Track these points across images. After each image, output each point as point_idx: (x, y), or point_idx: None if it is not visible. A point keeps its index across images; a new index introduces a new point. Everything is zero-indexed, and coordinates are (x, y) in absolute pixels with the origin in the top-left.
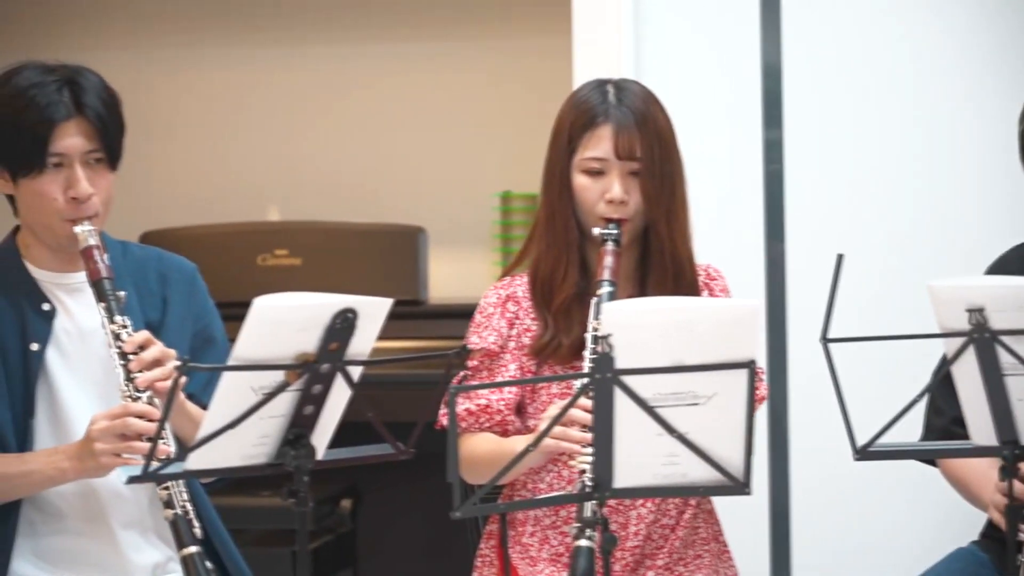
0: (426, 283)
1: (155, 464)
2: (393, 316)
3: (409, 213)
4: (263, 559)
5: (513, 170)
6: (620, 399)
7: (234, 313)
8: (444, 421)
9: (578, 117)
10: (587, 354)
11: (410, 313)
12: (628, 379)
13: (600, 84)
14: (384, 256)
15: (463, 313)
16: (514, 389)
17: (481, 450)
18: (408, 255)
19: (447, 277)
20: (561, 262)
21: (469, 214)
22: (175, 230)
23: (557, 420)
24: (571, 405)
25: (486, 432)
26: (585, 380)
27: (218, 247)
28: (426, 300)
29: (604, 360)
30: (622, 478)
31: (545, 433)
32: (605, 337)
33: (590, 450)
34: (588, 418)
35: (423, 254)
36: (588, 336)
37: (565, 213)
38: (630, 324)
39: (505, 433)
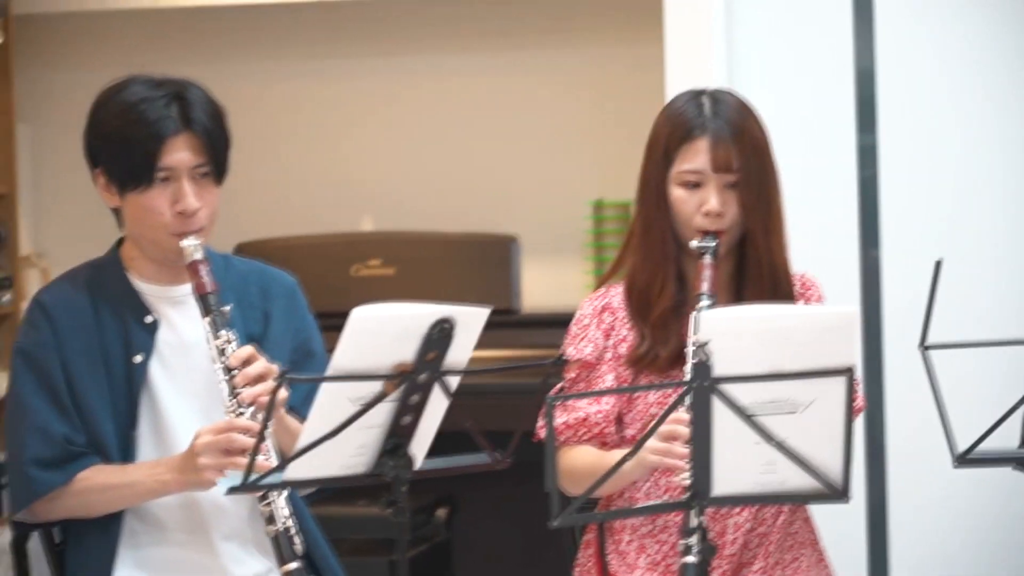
0: (519, 292)
1: (255, 475)
2: (486, 325)
3: (502, 222)
4: (359, 569)
5: (606, 178)
6: (718, 407)
7: (328, 323)
8: (542, 434)
9: (674, 130)
10: (688, 368)
11: (503, 322)
12: (726, 387)
13: (695, 95)
14: (477, 265)
15: (556, 322)
16: (611, 401)
17: (581, 463)
18: (501, 264)
19: (540, 286)
20: (658, 275)
21: (562, 223)
22: (269, 241)
23: (655, 429)
24: (668, 414)
25: (585, 445)
26: (684, 390)
27: (312, 257)
28: (519, 309)
29: (702, 368)
30: (720, 486)
31: (642, 443)
32: (703, 345)
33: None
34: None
35: (516, 263)
36: (689, 351)
37: (662, 225)
38: (728, 332)
39: (604, 445)
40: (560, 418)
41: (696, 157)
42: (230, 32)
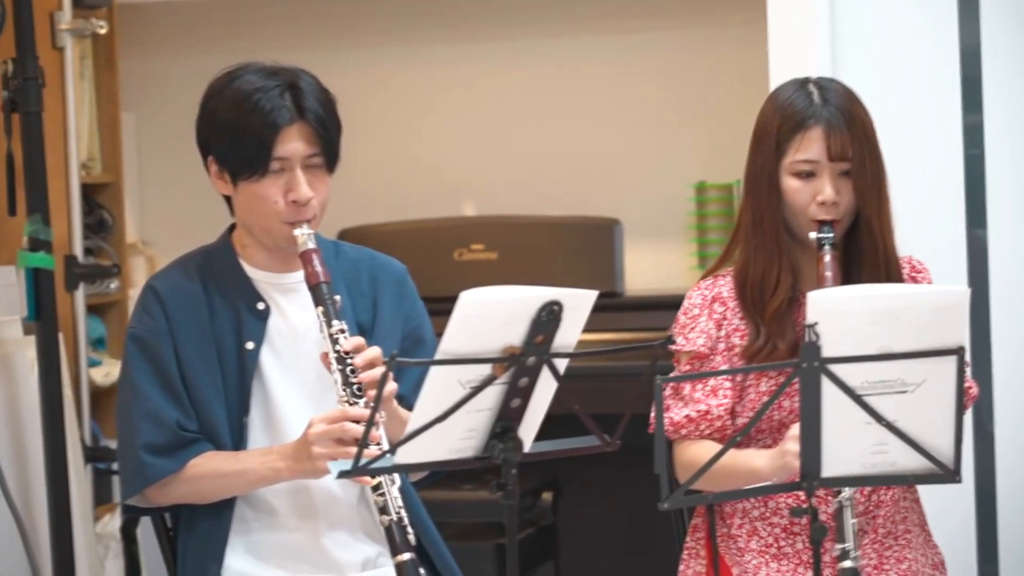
0: (622, 275)
1: (365, 459)
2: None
3: (604, 205)
4: (465, 553)
5: (708, 160)
6: (827, 388)
7: (432, 308)
8: (664, 424)
9: (785, 120)
10: None
11: (607, 305)
12: (835, 367)
13: (802, 84)
14: (580, 249)
15: (660, 305)
16: (729, 394)
17: (705, 459)
18: (604, 247)
19: (643, 269)
20: (773, 267)
21: (664, 205)
22: (372, 227)
23: (764, 411)
24: (777, 396)
25: (707, 440)
26: (792, 371)
27: (415, 243)
28: (623, 292)
29: (811, 349)
30: (830, 467)
31: (752, 424)
32: (812, 326)
33: None
34: None
35: (619, 246)
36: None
37: (775, 217)
38: (837, 312)
39: (724, 439)
40: (682, 411)
41: (810, 147)
42: (331, 19)
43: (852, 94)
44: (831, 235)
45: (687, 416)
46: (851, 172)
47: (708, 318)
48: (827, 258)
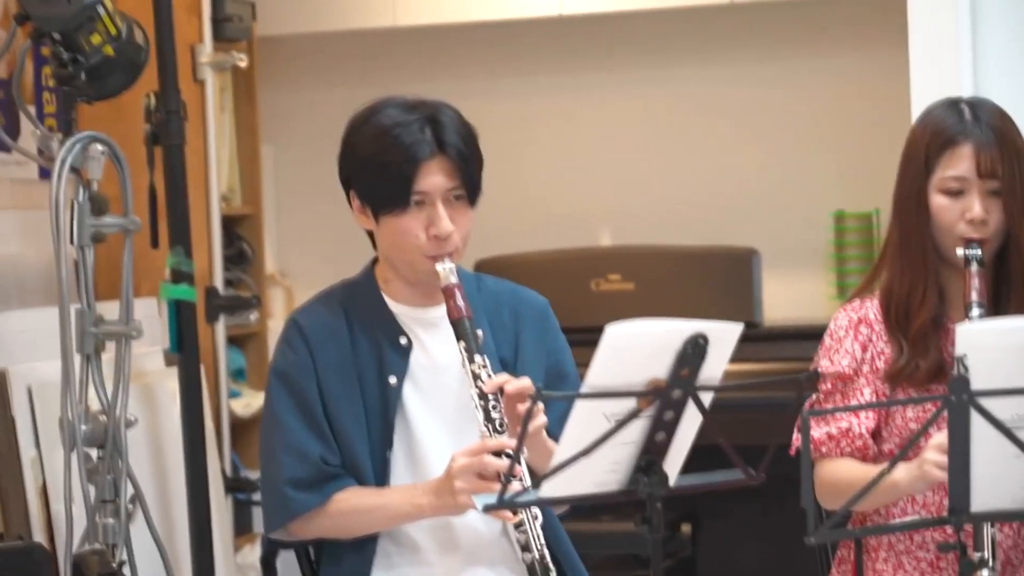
0: (761, 305)
1: (511, 492)
2: None
3: (742, 235)
4: None
5: (847, 189)
6: (977, 421)
7: (569, 339)
8: (798, 445)
9: (935, 137)
10: None
11: (746, 336)
12: (985, 401)
13: (953, 103)
14: (718, 279)
15: (799, 335)
16: (871, 415)
17: (846, 476)
18: (742, 277)
19: (781, 299)
20: (919, 286)
21: (803, 235)
22: (510, 257)
23: (912, 443)
24: (925, 429)
25: (847, 459)
26: (941, 404)
27: (551, 273)
28: (761, 322)
29: (959, 382)
30: (980, 502)
31: (900, 456)
32: (961, 359)
33: None
34: None
35: (757, 276)
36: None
37: (922, 235)
38: (986, 345)
39: (865, 459)
40: (822, 429)
41: (959, 163)
42: (466, 50)
43: (1005, 114)
44: (979, 252)
45: (828, 434)
46: (1001, 191)
47: (854, 339)
48: (974, 275)
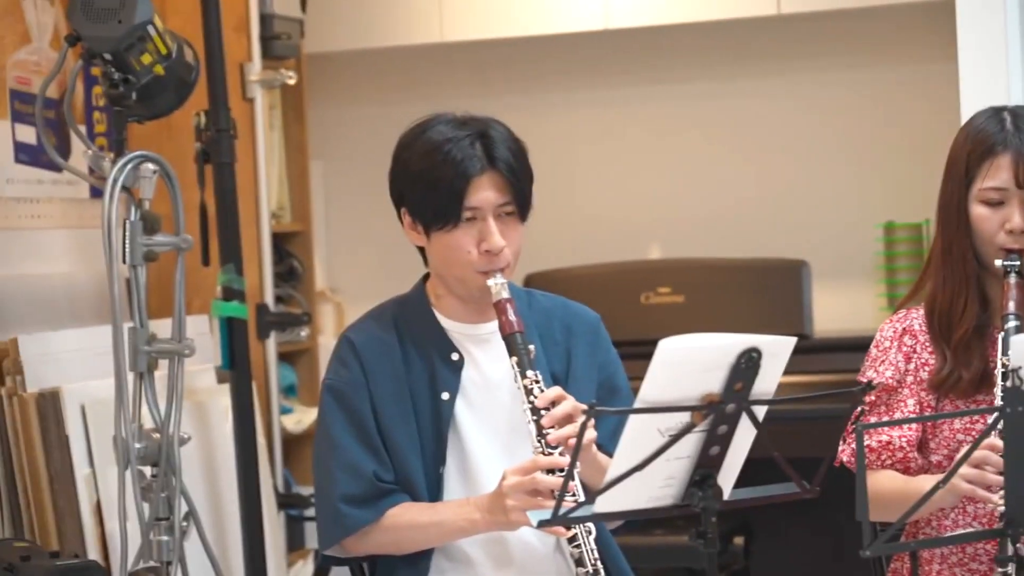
0: (811, 317)
1: (565, 508)
2: None
3: (791, 247)
4: None
5: (896, 200)
6: None
7: (620, 352)
8: (843, 457)
9: (975, 147)
10: (998, 391)
11: (797, 348)
12: None
13: (996, 112)
14: (768, 291)
15: (850, 347)
16: (914, 426)
17: (885, 488)
18: (792, 289)
19: (832, 310)
20: (960, 295)
21: (852, 246)
22: (559, 271)
23: (966, 459)
24: (979, 443)
25: (888, 470)
26: (995, 416)
27: (601, 287)
28: (811, 334)
29: (1015, 394)
30: None
31: (953, 472)
32: (1016, 370)
33: (998, 495)
34: (1001, 461)
35: (807, 288)
36: (998, 372)
37: (963, 245)
38: None
39: (907, 471)
40: (864, 442)
41: (999, 173)
42: (513, 64)
43: None
44: (1017, 263)
45: (868, 447)
46: None
47: (898, 351)
48: (1012, 286)
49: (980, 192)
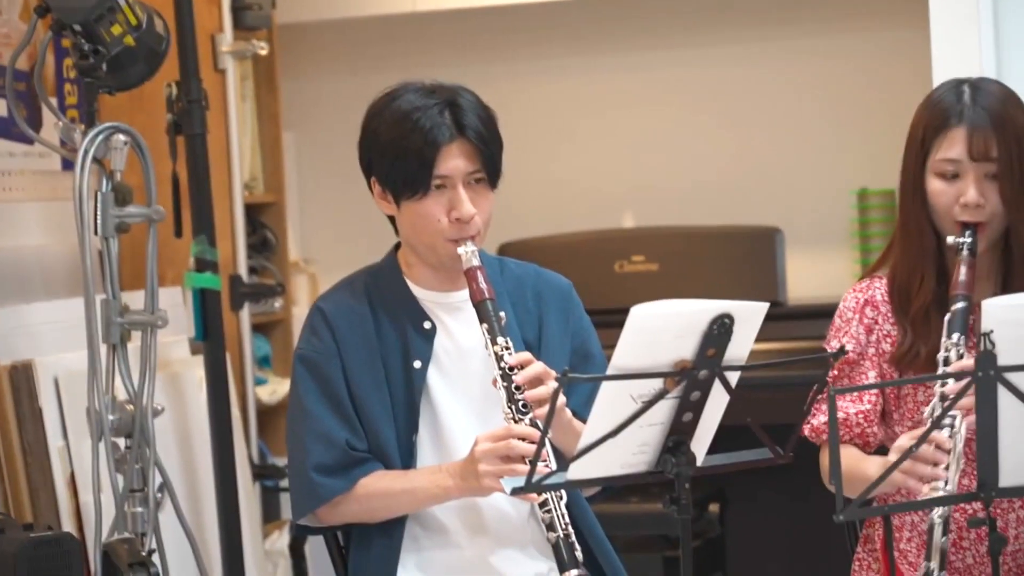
0: (785, 284)
1: (539, 475)
2: None
3: (765, 214)
4: (633, 564)
5: (870, 167)
6: (1004, 397)
7: (594, 320)
8: (805, 431)
9: (932, 119)
10: (941, 368)
11: (770, 315)
12: (1012, 376)
13: (956, 85)
14: (742, 258)
15: (824, 313)
16: (873, 399)
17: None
18: (766, 257)
19: (806, 277)
20: (917, 270)
21: (826, 213)
22: (533, 240)
23: (933, 428)
24: (951, 407)
25: (846, 445)
26: (967, 380)
27: (575, 256)
28: (785, 301)
29: (987, 357)
30: (1008, 477)
31: (895, 466)
32: (987, 334)
33: (940, 484)
34: (943, 456)
35: (781, 255)
36: (941, 356)
37: (920, 218)
38: (1011, 320)
39: (867, 445)
40: (818, 418)
41: (952, 146)
42: (486, 33)
43: (1010, 95)
44: (970, 240)
45: (826, 422)
46: (998, 175)
47: (859, 323)
48: (962, 264)
49: (935, 164)
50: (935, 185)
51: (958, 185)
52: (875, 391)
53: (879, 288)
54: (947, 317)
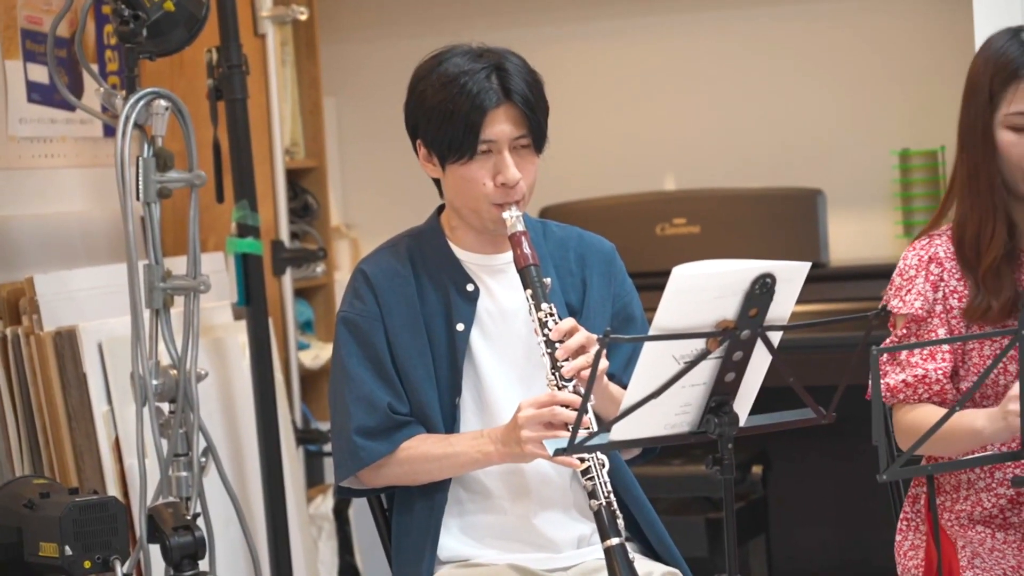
0: (827, 246)
1: (581, 436)
2: None
3: (806, 175)
4: (675, 527)
5: (911, 127)
6: None
7: (636, 283)
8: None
9: (998, 71)
10: None
11: (813, 276)
12: None
13: (1015, 33)
14: (783, 220)
15: (866, 275)
16: (947, 356)
17: (924, 422)
18: (808, 218)
19: (847, 238)
20: (988, 222)
21: (868, 174)
22: (574, 203)
23: (985, 376)
24: (995, 365)
25: (927, 404)
26: (1012, 339)
27: (616, 218)
28: (827, 263)
29: None
30: None
31: (974, 389)
32: None
33: None
34: None
35: (823, 216)
36: None
37: (990, 171)
38: None
39: (944, 403)
40: (898, 375)
41: None
42: None
43: None
44: None
45: (904, 381)
46: None
47: (925, 280)
48: None
49: (1007, 118)
50: (1007, 137)
51: None
52: (948, 348)
53: (940, 244)
54: None
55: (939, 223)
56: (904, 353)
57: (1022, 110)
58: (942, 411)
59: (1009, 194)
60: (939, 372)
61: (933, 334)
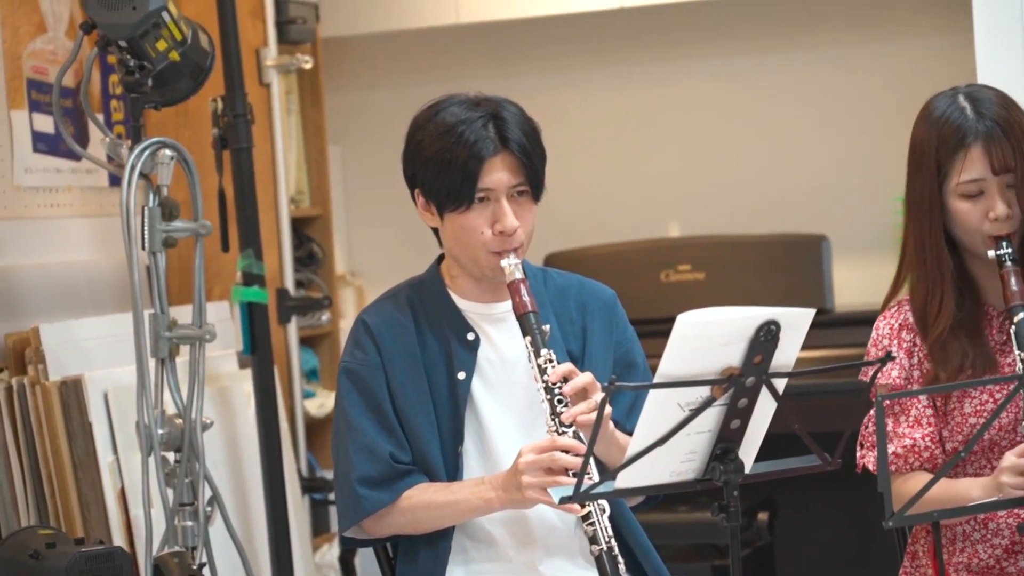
0: (831, 292)
1: (586, 484)
2: None
3: (811, 222)
4: (682, 575)
5: None
6: None
7: (640, 330)
8: (867, 464)
9: (942, 141)
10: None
11: (817, 322)
12: None
13: (952, 98)
14: (788, 266)
15: (871, 320)
16: (932, 421)
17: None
18: (812, 264)
19: (852, 284)
20: (936, 294)
21: (872, 220)
22: (578, 250)
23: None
24: (999, 413)
25: (918, 472)
26: (1016, 385)
27: (621, 265)
28: (832, 309)
29: None
30: None
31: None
32: None
33: None
34: None
35: (827, 262)
36: (1019, 366)
37: (936, 243)
38: None
39: (935, 468)
40: (888, 448)
41: (974, 166)
42: (529, 45)
43: (1005, 99)
44: (1010, 250)
45: (894, 452)
46: (1015, 183)
47: (899, 348)
48: (1011, 274)
49: (959, 187)
50: (961, 206)
51: (984, 202)
52: (932, 413)
53: (910, 311)
54: (1012, 330)
55: (896, 293)
56: (890, 424)
57: (973, 178)
58: (946, 483)
59: (965, 254)
60: (927, 439)
61: (916, 401)
